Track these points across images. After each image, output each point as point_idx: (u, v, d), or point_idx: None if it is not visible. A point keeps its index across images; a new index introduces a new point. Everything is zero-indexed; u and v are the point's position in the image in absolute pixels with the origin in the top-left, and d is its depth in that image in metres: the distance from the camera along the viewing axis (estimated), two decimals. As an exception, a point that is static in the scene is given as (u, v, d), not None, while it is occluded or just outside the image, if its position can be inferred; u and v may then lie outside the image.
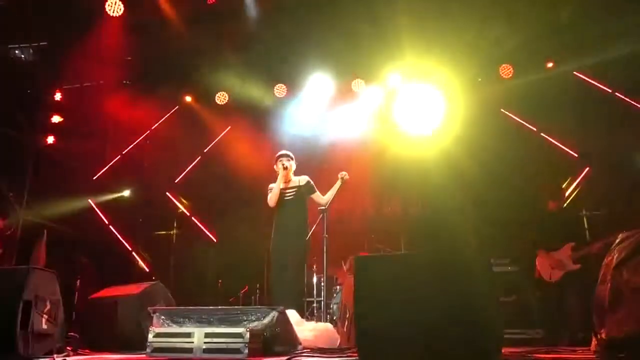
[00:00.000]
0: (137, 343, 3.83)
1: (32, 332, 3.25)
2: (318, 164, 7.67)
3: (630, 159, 7.17)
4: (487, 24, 7.44)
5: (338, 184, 5.31)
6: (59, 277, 3.81)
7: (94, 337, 4.31)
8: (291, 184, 5.37)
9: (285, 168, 5.29)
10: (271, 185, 5.37)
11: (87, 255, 7.88)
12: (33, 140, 8.57)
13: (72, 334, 4.28)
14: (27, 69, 8.45)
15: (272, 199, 5.29)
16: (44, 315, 3.40)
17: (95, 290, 4.94)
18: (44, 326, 3.41)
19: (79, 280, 7.09)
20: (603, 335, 2.72)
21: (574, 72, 8.04)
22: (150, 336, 3.25)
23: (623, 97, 7.67)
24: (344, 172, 5.29)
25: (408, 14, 7.24)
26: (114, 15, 7.61)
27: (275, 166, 5.44)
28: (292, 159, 5.42)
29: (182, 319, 3.39)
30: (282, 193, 5.32)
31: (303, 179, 5.40)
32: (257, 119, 9.11)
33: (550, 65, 8.23)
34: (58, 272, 3.83)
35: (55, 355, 3.34)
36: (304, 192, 5.34)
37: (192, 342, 3.15)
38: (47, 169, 8.34)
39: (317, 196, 5.34)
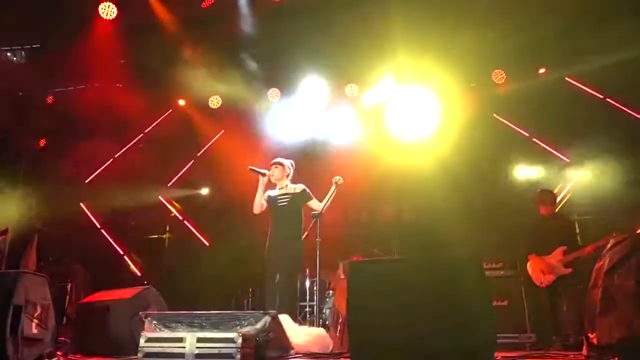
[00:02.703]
0: (129, 348, 3.81)
1: (22, 337, 3.23)
2: (311, 168, 7.65)
3: (621, 164, 7.23)
4: (480, 29, 7.48)
5: (333, 189, 5.31)
6: (50, 281, 3.79)
7: (85, 342, 4.28)
8: (286, 190, 5.36)
9: (263, 175, 5.30)
10: (267, 192, 5.38)
11: (78, 259, 7.82)
12: (25, 143, 8.53)
13: (62, 338, 4.25)
14: (19, 72, 8.40)
15: (254, 206, 5.35)
16: (34, 320, 3.38)
17: (86, 294, 4.91)
18: (34, 331, 3.38)
19: (70, 285, 7.04)
20: (594, 340, 2.73)
21: (566, 78, 8.11)
22: (141, 341, 3.23)
23: (614, 102, 7.74)
24: (338, 177, 5.29)
25: (401, 20, 7.27)
26: (107, 18, 7.59)
27: None
28: (281, 165, 5.41)
29: (174, 324, 3.37)
30: (276, 199, 5.32)
31: (299, 187, 5.37)
32: (250, 123, 9.09)
33: (542, 71, 8.29)
34: (49, 276, 3.80)
35: (45, 360, 3.31)
36: (298, 199, 5.31)
37: (184, 347, 3.14)
38: (39, 173, 8.29)
39: (314, 203, 5.33)
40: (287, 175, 5.44)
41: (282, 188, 5.37)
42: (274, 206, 5.30)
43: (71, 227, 8.22)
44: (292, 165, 5.52)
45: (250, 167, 5.35)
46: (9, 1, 7.40)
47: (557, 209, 6.09)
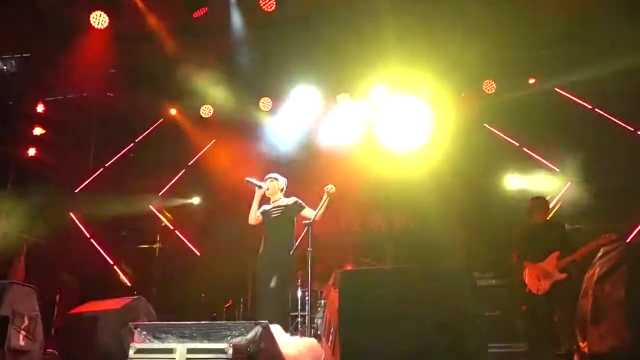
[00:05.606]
0: (118, 359, 3.76)
1: (9, 349, 3.19)
2: (303, 177, 7.66)
3: (610, 173, 7.30)
4: (471, 40, 7.56)
5: (325, 198, 5.31)
6: (38, 291, 3.75)
7: (73, 354, 4.23)
8: (279, 203, 5.47)
9: (260, 187, 5.44)
10: (262, 207, 5.50)
11: (67, 269, 7.74)
12: (14, 152, 8.47)
13: (51, 350, 4.19)
14: (9, 80, 8.34)
15: (250, 217, 5.49)
16: (22, 331, 3.34)
17: (75, 305, 4.85)
18: (22, 342, 3.34)
19: (59, 295, 6.96)
20: (585, 349, 2.74)
21: (555, 89, 8.19)
22: (131, 352, 3.19)
23: (602, 112, 7.83)
24: (330, 186, 5.29)
25: (393, 30, 7.32)
26: (99, 27, 7.55)
27: None
28: (276, 179, 5.55)
29: (164, 335, 3.33)
30: (269, 211, 5.44)
31: (291, 200, 5.50)
32: (242, 132, 9.10)
33: (532, 81, 8.37)
34: (37, 287, 3.76)
35: (32, 373, 3.27)
36: (290, 210, 5.41)
37: (174, 358, 3.10)
38: (28, 181, 8.22)
39: (307, 211, 5.37)
40: (281, 190, 5.58)
41: (275, 201, 5.50)
42: (267, 218, 5.42)
43: (60, 236, 8.14)
44: (284, 182, 5.67)
45: (247, 179, 5.46)
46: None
47: (549, 217, 6.08)
